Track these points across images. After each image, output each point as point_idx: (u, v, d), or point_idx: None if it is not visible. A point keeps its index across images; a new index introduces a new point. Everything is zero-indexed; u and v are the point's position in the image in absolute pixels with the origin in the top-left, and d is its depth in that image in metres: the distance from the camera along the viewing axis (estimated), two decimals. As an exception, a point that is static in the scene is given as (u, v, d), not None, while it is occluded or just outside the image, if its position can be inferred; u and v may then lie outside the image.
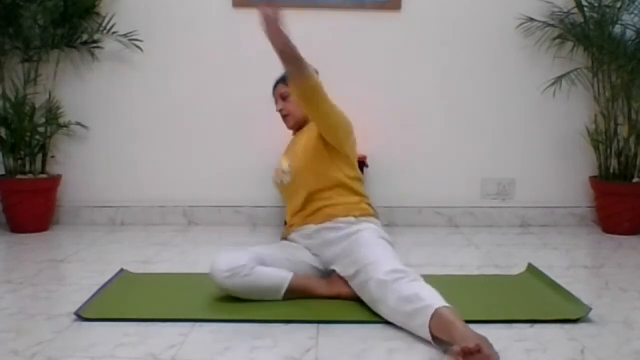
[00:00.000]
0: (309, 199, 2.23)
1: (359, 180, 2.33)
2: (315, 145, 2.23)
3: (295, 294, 2.08)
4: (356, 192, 2.28)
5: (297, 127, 2.38)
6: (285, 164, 2.31)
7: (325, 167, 2.23)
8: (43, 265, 2.61)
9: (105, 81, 3.44)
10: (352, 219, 2.20)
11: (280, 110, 2.38)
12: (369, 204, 2.31)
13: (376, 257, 2.00)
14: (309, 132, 2.28)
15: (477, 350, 1.53)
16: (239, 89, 3.42)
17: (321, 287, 2.13)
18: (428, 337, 1.71)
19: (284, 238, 2.37)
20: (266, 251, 2.16)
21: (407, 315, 1.78)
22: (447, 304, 1.73)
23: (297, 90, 2.11)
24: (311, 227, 2.23)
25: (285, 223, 2.41)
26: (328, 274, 2.22)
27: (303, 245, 2.26)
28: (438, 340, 1.70)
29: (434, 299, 1.75)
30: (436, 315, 1.69)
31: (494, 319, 1.91)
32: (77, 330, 1.86)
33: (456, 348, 1.56)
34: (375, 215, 2.29)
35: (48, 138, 3.35)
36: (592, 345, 1.76)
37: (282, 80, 2.36)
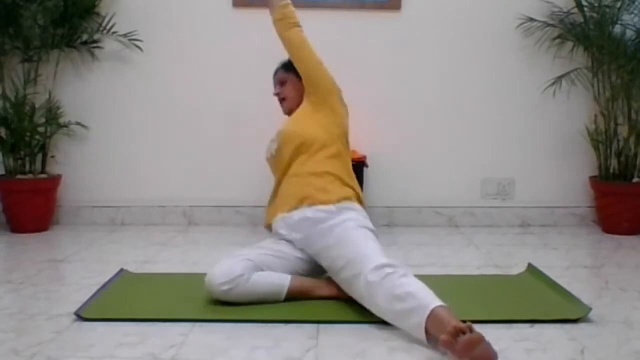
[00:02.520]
0: (289, 162, 2.29)
1: (344, 144, 2.37)
2: (303, 110, 2.37)
3: (295, 296, 2.08)
4: (343, 164, 2.32)
5: (292, 112, 2.46)
6: (274, 135, 2.40)
7: (311, 125, 2.31)
8: (43, 265, 2.61)
9: (105, 81, 3.44)
10: (332, 207, 2.17)
11: (277, 94, 2.49)
12: (352, 185, 2.31)
13: (361, 252, 1.97)
14: (301, 109, 2.39)
15: (469, 330, 1.55)
16: (239, 89, 3.42)
17: (320, 288, 2.13)
18: (423, 337, 1.70)
19: (268, 226, 2.37)
20: (258, 253, 2.12)
21: (400, 314, 1.77)
22: (441, 303, 1.72)
23: (274, 15, 2.38)
24: (293, 217, 2.20)
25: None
26: (319, 268, 2.19)
27: (288, 238, 2.21)
28: (433, 339, 1.70)
29: (428, 298, 1.74)
30: (432, 315, 1.68)
31: (494, 319, 1.91)
32: (77, 330, 1.86)
33: (449, 329, 1.57)
34: (354, 197, 2.28)
35: (48, 138, 3.35)
36: (592, 345, 1.76)
37: (282, 67, 2.49)
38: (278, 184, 2.37)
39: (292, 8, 2.39)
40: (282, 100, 2.48)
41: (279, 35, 2.38)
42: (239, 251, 2.14)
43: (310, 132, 2.29)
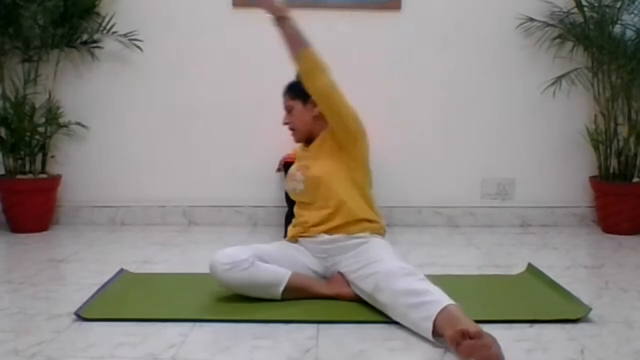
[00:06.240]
0: (315, 199, 2.20)
1: (370, 186, 2.32)
2: (329, 148, 2.21)
3: (295, 292, 2.08)
4: (368, 203, 2.26)
5: (306, 140, 2.30)
6: (298, 173, 2.25)
7: (338, 168, 2.19)
8: (43, 265, 2.60)
9: (105, 81, 3.44)
10: (366, 233, 2.20)
11: (286, 124, 2.29)
12: (380, 222, 2.28)
13: (385, 256, 2.03)
14: (321, 142, 2.24)
15: (477, 336, 1.56)
16: (239, 89, 3.42)
17: (321, 286, 2.14)
18: (428, 330, 1.71)
19: (292, 240, 2.30)
20: (267, 249, 2.16)
21: (411, 306, 1.78)
22: (456, 303, 1.74)
23: (298, 65, 2.13)
24: (325, 237, 2.20)
25: (288, 222, 2.40)
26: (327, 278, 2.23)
27: (308, 248, 2.23)
28: (437, 336, 1.71)
29: (444, 297, 1.77)
30: (446, 311, 1.70)
31: (494, 319, 1.91)
32: (77, 330, 1.86)
33: (457, 328, 1.59)
34: (382, 233, 2.28)
35: (48, 138, 3.35)
36: (592, 345, 1.76)
37: (288, 92, 2.27)
38: (302, 209, 2.29)
39: (314, 53, 2.10)
40: (291, 129, 2.29)
41: (306, 88, 2.13)
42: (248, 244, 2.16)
43: (337, 177, 2.18)
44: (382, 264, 1.96)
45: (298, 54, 2.09)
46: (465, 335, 1.57)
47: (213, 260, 2.03)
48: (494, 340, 1.61)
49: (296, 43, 2.10)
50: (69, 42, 3.31)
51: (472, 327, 1.61)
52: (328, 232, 2.19)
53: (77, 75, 3.43)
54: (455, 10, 3.44)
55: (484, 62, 3.48)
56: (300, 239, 2.26)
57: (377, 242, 2.16)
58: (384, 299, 1.90)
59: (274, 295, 2.06)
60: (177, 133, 3.48)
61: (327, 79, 2.12)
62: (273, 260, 2.11)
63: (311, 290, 2.11)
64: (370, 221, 2.22)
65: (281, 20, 2.10)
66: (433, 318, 1.70)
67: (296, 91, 2.22)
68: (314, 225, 2.21)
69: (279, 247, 2.24)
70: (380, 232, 2.25)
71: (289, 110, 2.27)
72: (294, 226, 2.31)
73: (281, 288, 2.06)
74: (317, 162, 2.21)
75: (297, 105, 2.24)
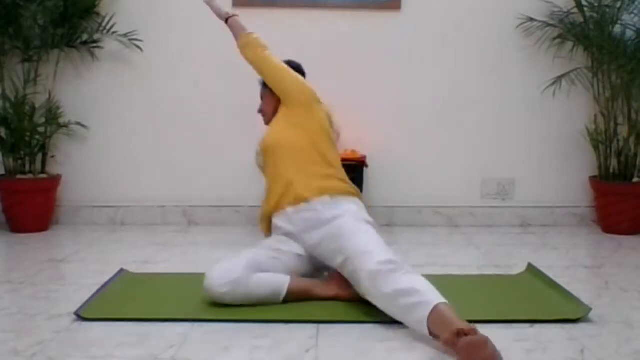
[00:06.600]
0: (276, 168, 2.34)
1: (331, 143, 2.42)
2: (277, 117, 2.46)
3: (295, 296, 2.07)
4: (327, 160, 2.35)
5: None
6: (258, 147, 2.49)
7: (287, 129, 2.39)
8: (43, 265, 2.61)
9: (105, 81, 3.44)
10: (326, 198, 2.24)
11: (260, 112, 2.61)
12: (342, 179, 2.36)
13: (364, 246, 1.98)
14: (275, 117, 2.49)
15: (473, 332, 1.57)
16: (239, 89, 3.41)
17: (320, 288, 2.13)
18: (425, 332, 1.72)
19: (265, 225, 2.44)
20: (257, 254, 2.13)
21: (404, 308, 1.78)
22: (445, 300, 1.74)
23: (237, 44, 2.55)
24: (288, 211, 2.26)
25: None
26: (317, 264, 2.23)
27: (285, 231, 2.26)
28: (433, 336, 1.71)
29: (433, 295, 1.76)
30: (435, 312, 1.70)
31: (494, 319, 1.92)
32: (77, 330, 1.86)
33: (451, 329, 1.59)
34: (350, 191, 2.33)
35: (48, 138, 3.35)
36: (592, 345, 1.76)
37: (260, 83, 2.59)
38: (271, 186, 2.40)
39: (255, 35, 2.52)
40: (263, 116, 2.59)
41: (246, 60, 2.50)
42: (238, 253, 2.14)
43: (288, 136, 2.37)
44: (362, 261, 1.92)
45: (238, 36, 2.54)
46: (460, 333, 1.58)
47: (208, 284, 2.00)
48: (489, 342, 1.60)
49: (237, 31, 2.57)
50: (69, 42, 3.31)
51: (464, 324, 1.62)
52: (287, 205, 2.27)
53: (77, 75, 3.43)
54: (455, 10, 3.44)
55: (484, 62, 3.48)
56: (273, 219, 2.33)
57: (348, 221, 2.14)
58: (376, 303, 1.90)
59: (274, 302, 2.05)
60: (177, 133, 3.48)
61: (260, 51, 2.47)
62: (266, 264, 2.09)
63: (310, 292, 2.11)
64: (324, 177, 2.30)
65: (228, 19, 2.62)
66: (425, 321, 1.71)
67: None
68: (269, 199, 2.37)
69: (267, 248, 2.21)
70: (346, 190, 2.31)
71: (261, 97, 2.60)
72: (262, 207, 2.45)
73: (281, 297, 2.06)
74: (270, 131, 2.46)
75: (267, 92, 2.53)
